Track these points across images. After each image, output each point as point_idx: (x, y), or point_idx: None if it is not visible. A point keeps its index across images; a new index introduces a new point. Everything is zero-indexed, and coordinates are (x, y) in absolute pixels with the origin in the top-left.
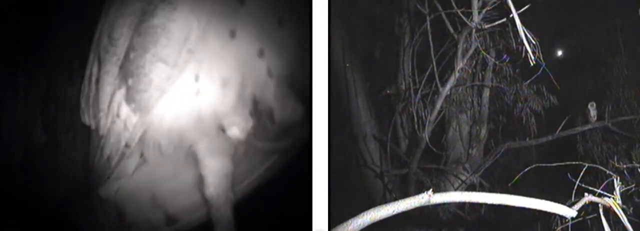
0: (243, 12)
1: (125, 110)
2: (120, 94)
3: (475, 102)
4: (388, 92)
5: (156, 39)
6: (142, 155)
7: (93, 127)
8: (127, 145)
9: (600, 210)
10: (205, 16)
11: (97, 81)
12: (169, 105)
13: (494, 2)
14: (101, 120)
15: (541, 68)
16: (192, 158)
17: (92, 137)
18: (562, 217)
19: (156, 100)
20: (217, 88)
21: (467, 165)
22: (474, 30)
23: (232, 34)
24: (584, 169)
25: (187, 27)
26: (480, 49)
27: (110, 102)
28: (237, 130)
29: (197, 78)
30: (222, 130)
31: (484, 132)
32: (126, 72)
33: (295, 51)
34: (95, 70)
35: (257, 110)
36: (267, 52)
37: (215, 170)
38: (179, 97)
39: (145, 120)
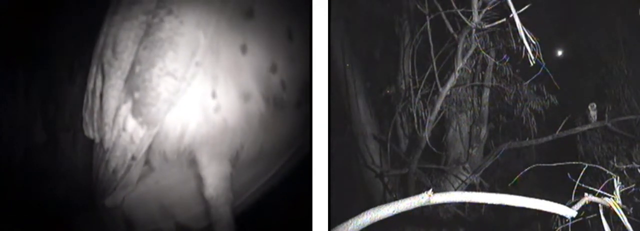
0: (252, 25)
1: (131, 123)
2: (126, 108)
3: (475, 102)
4: (388, 92)
5: (163, 52)
6: (147, 162)
7: (97, 140)
8: (133, 158)
9: (600, 210)
10: (212, 29)
11: (101, 95)
12: (180, 118)
13: (494, 2)
14: (106, 134)
15: (541, 68)
16: (196, 163)
17: (95, 150)
18: (562, 217)
19: (164, 114)
20: (236, 104)
21: (467, 165)
22: (474, 30)
23: (243, 49)
24: (584, 169)
25: (195, 41)
26: (480, 49)
27: (116, 115)
28: (243, 136)
29: (214, 95)
30: (230, 137)
31: (484, 132)
32: (132, 85)
33: (305, 61)
34: (98, 83)
35: (272, 121)
36: (280, 66)
37: (214, 172)
38: (192, 110)
39: (152, 133)
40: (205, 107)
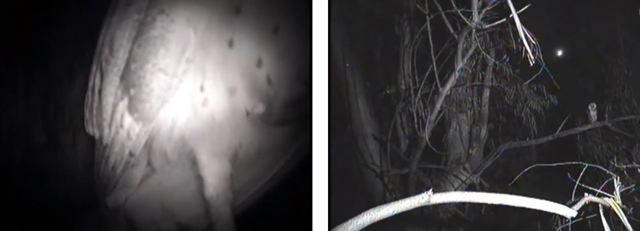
0: (239, 21)
1: (128, 120)
2: (123, 105)
3: (475, 102)
4: (388, 92)
5: (156, 49)
6: (149, 163)
7: (97, 136)
8: (131, 154)
9: (600, 210)
10: (203, 26)
11: (100, 92)
12: (172, 114)
13: (494, 2)
14: (105, 130)
15: (541, 68)
16: (196, 163)
17: (96, 147)
18: (562, 217)
19: (157, 110)
20: (223, 98)
21: (467, 165)
22: (474, 30)
23: (230, 44)
24: (584, 169)
25: (185, 38)
26: (480, 49)
27: (113, 112)
28: (241, 135)
29: (202, 88)
30: (227, 136)
31: (484, 132)
32: (128, 82)
33: (293, 58)
34: (97, 81)
35: (261, 117)
36: (265, 61)
37: (215, 172)
38: (184, 107)
39: (148, 129)
40: (194, 101)
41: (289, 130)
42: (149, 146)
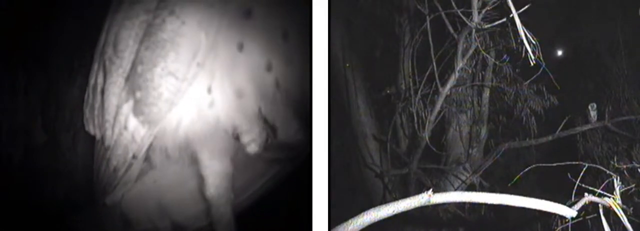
0: (249, 25)
1: (133, 122)
2: (128, 107)
3: (475, 102)
4: (388, 92)
5: (165, 53)
6: (147, 159)
7: (98, 137)
8: (134, 157)
9: (600, 210)
10: (214, 29)
11: (102, 92)
12: (178, 115)
13: (494, 2)
14: (107, 131)
15: (541, 69)
16: (197, 162)
17: (96, 147)
18: (562, 217)
19: (165, 113)
20: (230, 100)
21: (467, 165)
22: (474, 30)
23: (240, 47)
24: (584, 169)
25: (196, 42)
26: (480, 49)
27: (117, 113)
28: (246, 140)
29: (209, 90)
30: (231, 139)
31: (484, 132)
32: (133, 84)
33: (302, 63)
34: (100, 80)
35: (266, 121)
36: (275, 65)
37: (216, 171)
38: (191, 109)
39: (154, 132)
40: (200, 102)
41: (287, 126)
42: (153, 146)
